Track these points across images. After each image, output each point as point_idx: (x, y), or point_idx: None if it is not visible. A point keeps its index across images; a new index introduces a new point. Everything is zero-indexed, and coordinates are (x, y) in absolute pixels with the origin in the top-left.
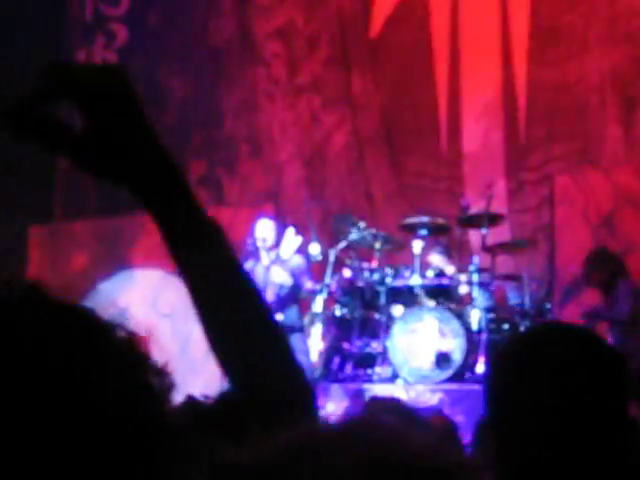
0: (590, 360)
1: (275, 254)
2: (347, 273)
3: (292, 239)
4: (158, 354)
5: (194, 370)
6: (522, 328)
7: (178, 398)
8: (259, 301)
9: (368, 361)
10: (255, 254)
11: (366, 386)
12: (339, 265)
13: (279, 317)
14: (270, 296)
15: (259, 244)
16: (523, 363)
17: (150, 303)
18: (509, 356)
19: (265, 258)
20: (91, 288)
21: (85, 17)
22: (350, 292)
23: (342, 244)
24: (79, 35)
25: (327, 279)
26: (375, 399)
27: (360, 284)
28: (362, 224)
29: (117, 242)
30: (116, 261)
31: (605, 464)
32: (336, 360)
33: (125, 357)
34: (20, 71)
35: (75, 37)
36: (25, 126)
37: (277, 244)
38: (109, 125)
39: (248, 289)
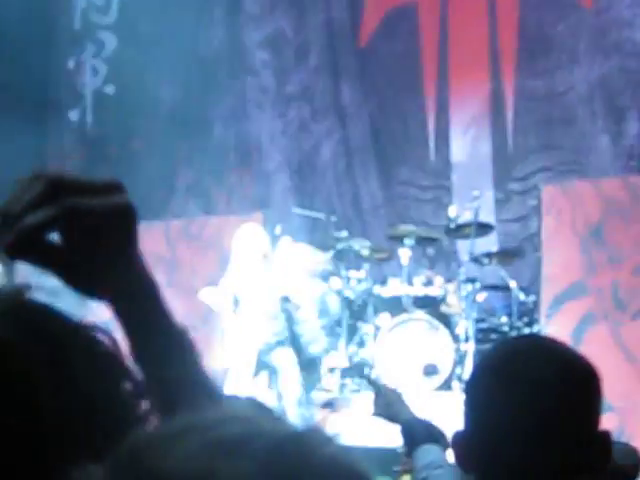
0: (564, 377)
1: (266, 263)
2: (335, 283)
3: (286, 248)
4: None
5: None
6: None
7: None
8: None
9: (355, 371)
10: (239, 263)
11: (353, 396)
12: (327, 275)
13: (264, 327)
14: (258, 306)
15: (248, 252)
16: (500, 376)
17: None
18: (488, 367)
19: (257, 266)
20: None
21: (74, 25)
22: (340, 300)
23: (330, 253)
24: (68, 43)
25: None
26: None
27: (348, 294)
28: (346, 234)
29: None
30: None
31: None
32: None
33: (91, 362)
34: (9, 79)
35: (64, 45)
36: (20, 249)
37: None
38: (95, 252)
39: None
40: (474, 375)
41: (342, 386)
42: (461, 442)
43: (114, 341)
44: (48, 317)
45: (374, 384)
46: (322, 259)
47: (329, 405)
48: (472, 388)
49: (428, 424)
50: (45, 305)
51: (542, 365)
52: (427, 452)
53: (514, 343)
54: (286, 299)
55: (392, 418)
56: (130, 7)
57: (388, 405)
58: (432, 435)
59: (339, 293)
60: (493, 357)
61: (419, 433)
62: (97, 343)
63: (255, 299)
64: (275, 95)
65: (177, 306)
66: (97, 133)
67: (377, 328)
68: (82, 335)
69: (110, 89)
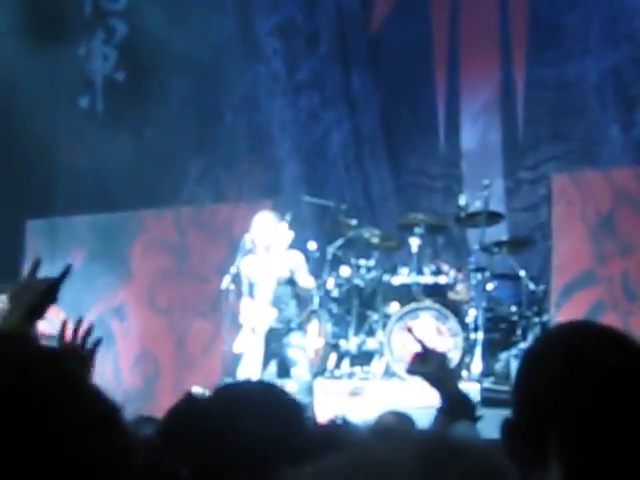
0: (633, 364)
1: (268, 248)
2: (345, 271)
3: (285, 233)
4: (154, 349)
5: (190, 365)
6: (519, 328)
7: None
8: None
9: (364, 359)
10: (252, 250)
11: (362, 384)
12: (337, 263)
13: (274, 313)
14: (268, 292)
15: (258, 240)
16: (564, 366)
17: (147, 299)
18: (547, 358)
19: (262, 253)
20: (89, 284)
21: (84, 12)
22: (347, 290)
23: (339, 242)
24: (79, 31)
25: (324, 276)
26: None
27: (357, 282)
28: (356, 222)
29: (116, 238)
30: (114, 257)
31: None
32: (333, 357)
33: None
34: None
35: (75, 33)
36: None
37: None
38: None
39: None
40: (531, 363)
41: (351, 374)
42: (519, 432)
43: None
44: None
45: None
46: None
47: (356, 392)
48: (531, 376)
49: (470, 400)
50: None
51: (616, 352)
52: (468, 429)
53: (577, 329)
54: (293, 283)
55: (439, 381)
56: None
57: (440, 367)
58: (472, 412)
59: (348, 281)
60: (556, 343)
61: (462, 407)
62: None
63: (266, 285)
64: (286, 83)
65: (187, 292)
66: (108, 120)
67: (386, 316)
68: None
69: (120, 76)
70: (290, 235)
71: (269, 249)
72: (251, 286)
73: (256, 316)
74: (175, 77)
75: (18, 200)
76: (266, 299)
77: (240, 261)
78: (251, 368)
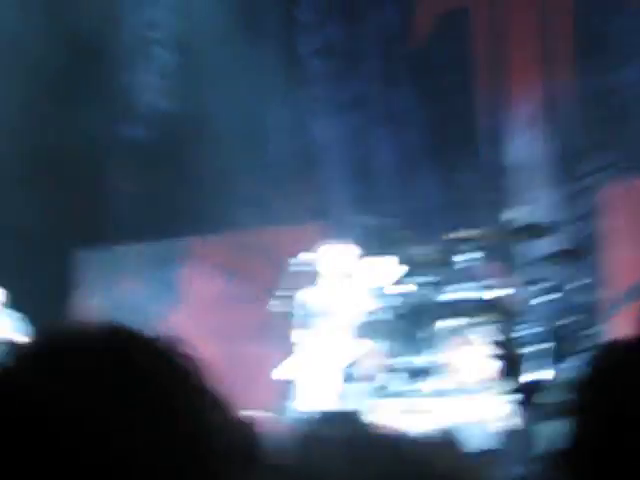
0: None
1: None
2: (396, 290)
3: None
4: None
5: (243, 390)
6: (570, 341)
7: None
8: None
9: (419, 375)
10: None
11: (417, 400)
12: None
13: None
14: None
15: (334, 270)
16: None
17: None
18: (616, 373)
19: (343, 284)
20: (142, 311)
21: (126, 41)
22: (399, 307)
23: (392, 259)
24: (121, 59)
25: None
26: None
27: (409, 299)
28: (410, 238)
29: (165, 266)
30: (164, 286)
31: None
32: (387, 375)
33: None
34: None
35: (118, 61)
36: None
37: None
38: None
39: None
40: (591, 384)
41: (404, 392)
42: (579, 460)
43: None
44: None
45: None
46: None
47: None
48: (595, 399)
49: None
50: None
51: None
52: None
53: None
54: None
55: None
56: (182, 23)
57: None
58: None
59: (401, 298)
60: (616, 364)
61: None
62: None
63: (342, 316)
64: (330, 103)
65: (237, 317)
66: (153, 147)
67: (438, 333)
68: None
69: (165, 103)
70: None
71: (344, 280)
72: (310, 315)
73: (326, 346)
74: (217, 100)
75: (67, 230)
76: (343, 330)
77: (293, 289)
78: (310, 395)
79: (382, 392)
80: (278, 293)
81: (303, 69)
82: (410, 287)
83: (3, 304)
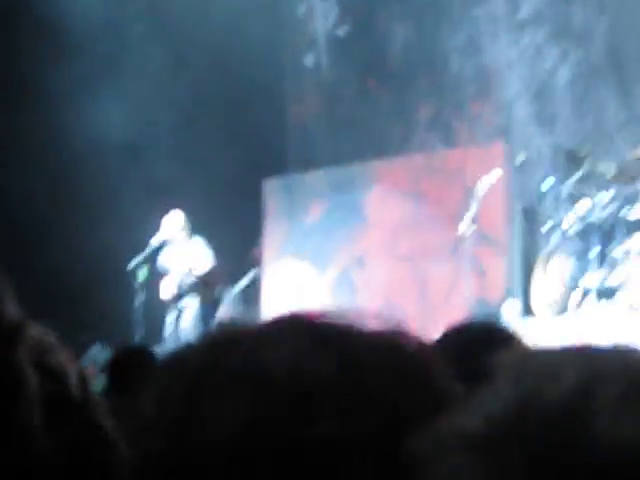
0: None
1: None
2: (581, 208)
3: None
4: (397, 299)
5: (434, 313)
6: None
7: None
8: None
9: (607, 295)
10: None
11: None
12: (572, 200)
13: None
14: None
15: None
16: None
17: (387, 248)
18: None
19: None
20: (329, 236)
21: None
22: (585, 226)
23: (574, 178)
24: None
25: (561, 214)
26: None
27: (594, 218)
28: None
29: (351, 190)
30: (351, 210)
31: None
32: (575, 295)
33: None
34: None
35: None
36: None
37: None
38: None
39: None
40: None
41: (593, 312)
42: None
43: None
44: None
45: None
46: None
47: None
48: None
49: None
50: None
51: None
52: None
53: None
54: None
55: None
56: None
57: None
58: None
59: (586, 217)
60: None
61: None
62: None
63: None
64: (508, 23)
65: (425, 240)
66: (332, 75)
67: (627, 251)
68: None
69: (342, 31)
70: None
71: None
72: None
73: None
74: (396, 25)
75: (253, 160)
76: None
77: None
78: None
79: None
80: (466, 215)
81: None
82: (597, 205)
83: (183, 228)
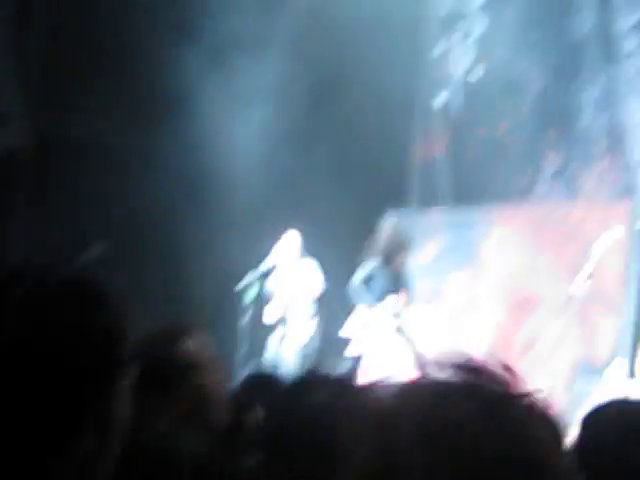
0: None
1: None
2: None
3: None
4: (502, 347)
5: (537, 367)
6: None
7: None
8: None
9: None
10: None
11: None
12: None
13: None
14: None
15: None
16: None
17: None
18: None
19: None
20: (441, 277)
21: (441, 12)
22: None
23: None
24: (436, 31)
25: None
26: None
27: None
28: None
29: (469, 232)
30: (466, 252)
31: None
32: None
33: None
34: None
35: (431, 33)
36: None
37: None
38: None
39: None
40: None
41: None
42: None
43: None
44: None
45: None
46: None
47: None
48: None
49: None
50: None
51: None
52: None
53: None
54: None
55: None
56: None
57: None
58: None
59: None
60: None
61: None
62: None
63: None
64: None
65: (539, 290)
66: (463, 116)
67: None
68: None
69: (476, 74)
70: None
71: None
72: None
73: None
74: (532, 72)
75: (376, 194)
76: None
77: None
78: None
79: None
80: (582, 270)
81: (618, 46)
82: None
83: (298, 249)
